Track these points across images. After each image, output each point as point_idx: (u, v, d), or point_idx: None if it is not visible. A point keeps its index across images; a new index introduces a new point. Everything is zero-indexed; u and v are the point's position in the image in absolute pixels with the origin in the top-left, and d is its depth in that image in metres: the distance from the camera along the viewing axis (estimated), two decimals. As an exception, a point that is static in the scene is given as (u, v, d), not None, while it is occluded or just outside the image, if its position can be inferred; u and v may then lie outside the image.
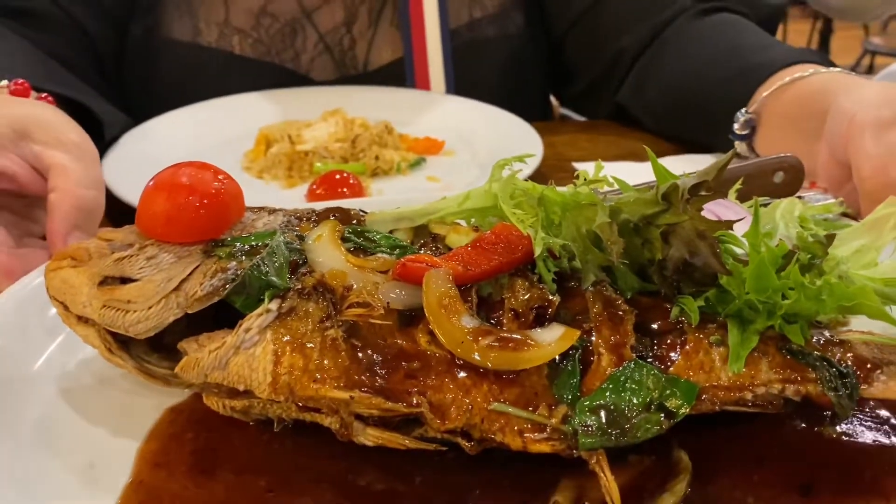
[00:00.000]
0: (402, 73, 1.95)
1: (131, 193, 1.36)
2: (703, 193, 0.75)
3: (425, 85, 1.95)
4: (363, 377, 0.74)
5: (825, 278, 0.73)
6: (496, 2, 2.02)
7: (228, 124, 1.79)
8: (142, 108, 1.83)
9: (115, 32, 1.93)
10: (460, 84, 1.94)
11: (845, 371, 0.73)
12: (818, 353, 0.74)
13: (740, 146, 1.58)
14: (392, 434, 0.76)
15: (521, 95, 2.05)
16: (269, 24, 1.93)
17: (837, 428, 0.78)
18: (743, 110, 1.55)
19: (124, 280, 0.82)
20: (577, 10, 2.00)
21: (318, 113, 1.79)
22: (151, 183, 0.87)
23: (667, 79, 1.81)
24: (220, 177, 0.87)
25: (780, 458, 0.76)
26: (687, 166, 0.82)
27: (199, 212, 0.84)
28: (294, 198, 1.53)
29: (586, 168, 0.92)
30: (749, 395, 0.74)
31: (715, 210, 0.99)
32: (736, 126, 1.56)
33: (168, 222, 0.84)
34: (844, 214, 0.95)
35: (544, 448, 0.72)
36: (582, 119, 2.22)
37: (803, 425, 0.78)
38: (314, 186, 1.52)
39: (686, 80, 1.76)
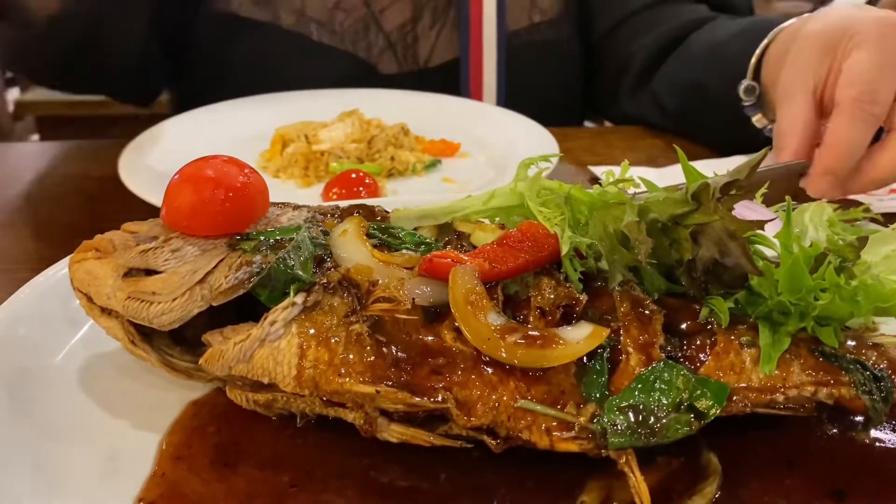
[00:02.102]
0: (458, 71, 1.99)
1: (149, 192, 1.36)
2: (734, 193, 0.74)
3: (478, 85, 1.99)
4: (388, 372, 0.73)
5: (860, 279, 0.72)
6: (554, 8, 2.07)
7: (245, 124, 1.79)
8: (215, 85, 1.87)
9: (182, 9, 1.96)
10: (512, 86, 1.98)
11: (880, 375, 0.72)
12: (852, 356, 0.74)
13: (757, 118, 1.59)
14: (417, 430, 0.75)
15: (565, 98, 2.10)
16: (342, 19, 1.97)
17: (871, 433, 0.77)
18: (743, 81, 1.58)
19: (149, 272, 0.81)
20: (615, 19, 2.05)
21: (334, 114, 1.79)
22: (177, 176, 0.86)
23: (680, 76, 1.85)
24: (246, 171, 0.87)
25: (813, 462, 0.75)
26: (707, 171, 0.82)
27: (224, 205, 0.83)
28: (310, 197, 1.53)
29: (605, 171, 0.91)
30: (780, 398, 0.73)
31: (741, 212, 0.98)
32: (743, 97, 1.59)
33: (193, 215, 0.84)
34: (872, 220, 0.93)
35: (572, 447, 0.71)
36: (598, 125, 2.22)
37: (835, 430, 0.77)
38: (330, 186, 1.52)
39: (696, 73, 1.80)
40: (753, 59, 1.58)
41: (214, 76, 1.94)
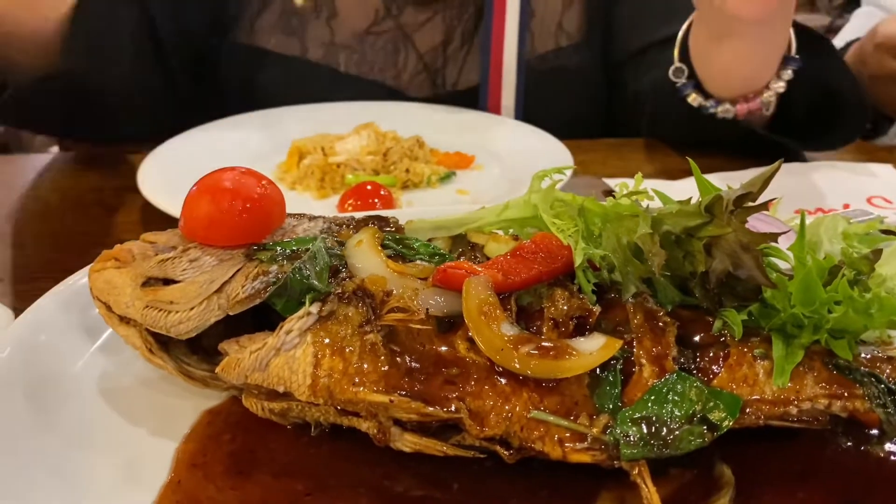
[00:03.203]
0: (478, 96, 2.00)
1: (167, 203, 1.38)
2: (747, 205, 0.74)
3: (496, 109, 2.01)
4: (402, 382, 0.74)
5: (874, 292, 0.72)
6: (580, 32, 2.09)
7: (262, 136, 1.81)
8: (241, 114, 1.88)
9: (202, 41, 1.99)
10: (532, 111, 1.98)
11: (894, 388, 0.72)
12: (866, 369, 0.73)
13: (692, 98, 1.67)
14: (430, 440, 0.76)
15: (586, 124, 2.10)
16: (373, 41, 2.00)
17: (886, 446, 0.77)
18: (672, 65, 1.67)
19: (167, 281, 0.83)
20: (637, 46, 2.06)
21: (350, 127, 1.81)
22: (195, 187, 0.87)
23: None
24: (263, 182, 0.88)
25: (826, 475, 0.74)
26: (721, 184, 0.82)
27: (241, 216, 0.85)
28: (326, 208, 1.54)
29: (619, 183, 0.92)
30: (794, 410, 0.73)
31: (754, 225, 0.98)
32: (672, 78, 1.67)
33: (211, 226, 0.85)
34: (887, 232, 0.93)
35: (585, 458, 0.71)
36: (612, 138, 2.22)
37: (849, 443, 0.77)
38: (346, 197, 1.54)
39: None
40: (679, 38, 1.66)
41: (240, 106, 1.96)
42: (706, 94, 1.67)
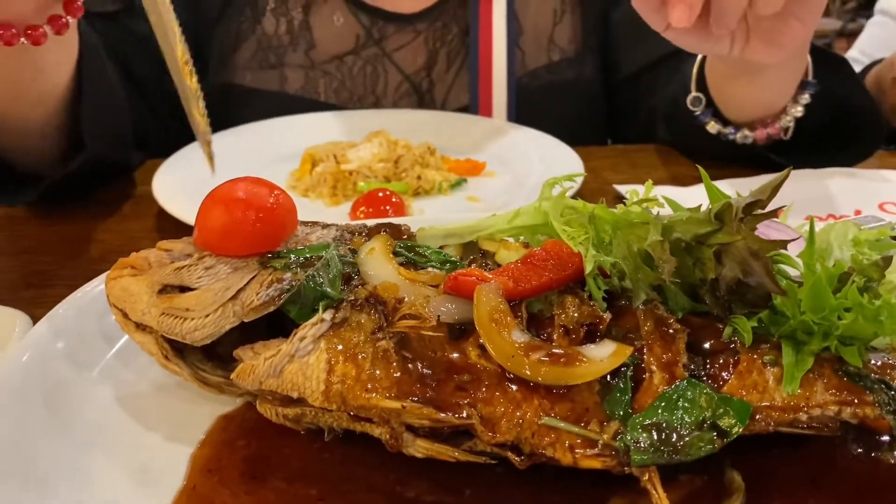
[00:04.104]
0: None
1: (182, 211, 1.39)
2: (757, 213, 0.75)
3: None
4: (414, 388, 0.75)
5: (884, 299, 0.72)
6: (572, 46, 2.06)
7: (275, 145, 1.83)
8: None
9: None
10: (528, 126, 1.96)
11: (904, 394, 0.72)
12: (876, 376, 0.74)
13: (710, 125, 1.65)
14: (442, 446, 0.76)
15: (583, 136, 2.08)
16: (352, 62, 1.99)
17: (896, 453, 0.77)
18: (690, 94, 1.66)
19: (183, 289, 0.84)
20: (639, 64, 2.04)
21: (362, 134, 1.82)
22: (207, 199, 0.89)
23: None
24: (275, 192, 0.89)
25: (837, 481, 0.74)
26: (730, 190, 0.82)
27: (254, 226, 0.85)
28: (338, 216, 1.55)
29: (629, 190, 0.92)
30: (804, 417, 0.73)
31: (764, 232, 0.99)
32: (691, 108, 1.66)
33: (225, 236, 0.86)
34: (897, 238, 0.93)
35: (595, 464, 0.71)
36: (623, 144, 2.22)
37: (860, 449, 0.77)
38: (358, 204, 1.55)
39: None
40: (695, 71, 1.64)
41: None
42: (724, 121, 1.67)
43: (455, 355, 0.77)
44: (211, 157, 0.84)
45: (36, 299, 1.16)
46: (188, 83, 0.81)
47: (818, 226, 0.80)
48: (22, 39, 1.17)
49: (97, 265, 1.32)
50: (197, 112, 0.82)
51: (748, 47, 1.34)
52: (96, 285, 0.96)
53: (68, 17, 1.22)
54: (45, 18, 1.20)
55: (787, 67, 1.52)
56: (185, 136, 1.81)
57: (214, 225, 0.87)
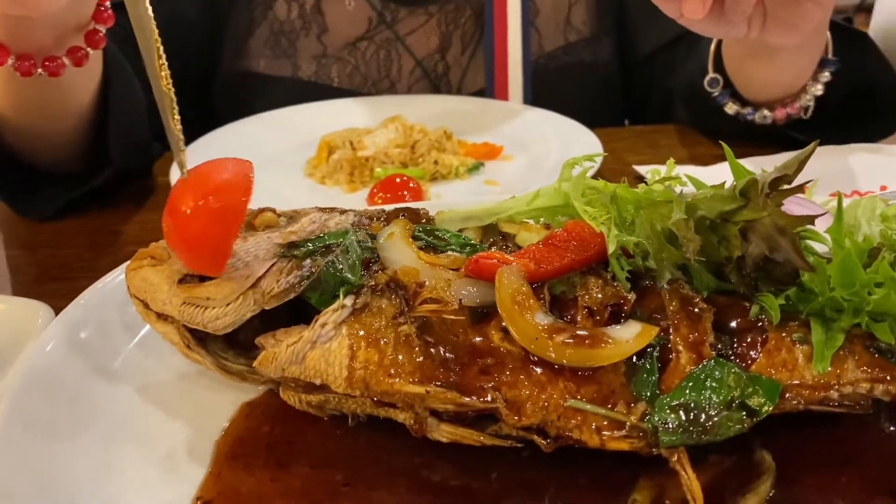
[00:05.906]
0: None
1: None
2: (783, 188, 0.73)
3: None
4: (437, 372, 0.74)
5: (917, 273, 0.70)
6: (588, 25, 2.04)
7: (292, 133, 1.82)
8: None
9: (198, 71, 1.99)
10: (545, 108, 1.93)
11: (938, 370, 0.71)
12: (909, 352, 0.72)
13: (728, 105, 1.64)
14: (466, 430, 0.76)
15: (600, 118, 2.06)
16: (365, 47, 1.97)
17: (930, 430, 0.76)
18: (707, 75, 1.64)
19: (203, 278, 0.83)
20: (654, 45, 2.01)
21: (378, 120, 1.81)
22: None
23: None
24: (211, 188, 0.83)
25: (869, 460, 0.73)
26: (754, 168, 0.81)
27: (204, 240, 0.80)
28: (356, 202, 1.55)
29: (650, 170, 0.91)
30: (835, 395, 0.72)
31: (790, 208, 0.97)
32: (709, 90, 1.64)
33: (193, 263, 0.83)
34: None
35: (623, 445, 0.71)
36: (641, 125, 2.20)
37: (893, 427, 0.75)
38: (375, 190, 1.54)
39: None
40: (711, 51, 1.62)
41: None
42: (743, 102, 1.65)
43: (478, 339, 0.76)
44: (182, 164, 0.84)
45: (57, 292, 1.16)
46: (164, 88, 0.80)
47: (844, 202, 0.79)
48: (39, 71, 1.17)
49: (117, 256, 1.32)
50: (171, 118, 0.82)
51: (765, 30, 1.32)
52: (117, 276, 0.96)
53: (89, 49, 1.22)
54: (64, 49, 1.20)
55: (806, 47, 1.50)
56: (201, 125, 1.83)
57: (182, 256, 0.83)
